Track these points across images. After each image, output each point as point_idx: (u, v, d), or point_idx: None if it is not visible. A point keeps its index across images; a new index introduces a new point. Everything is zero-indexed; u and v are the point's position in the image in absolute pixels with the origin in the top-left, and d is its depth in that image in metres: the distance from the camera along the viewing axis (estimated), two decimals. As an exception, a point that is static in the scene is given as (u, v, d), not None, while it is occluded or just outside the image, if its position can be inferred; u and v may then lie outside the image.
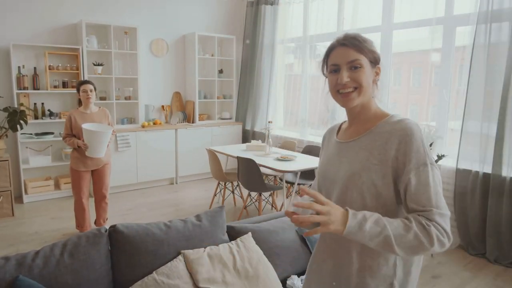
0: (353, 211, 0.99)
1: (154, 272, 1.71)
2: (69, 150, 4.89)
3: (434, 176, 1.03)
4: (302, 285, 1.95)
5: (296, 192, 4.26)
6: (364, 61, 1.10)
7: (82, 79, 4.76)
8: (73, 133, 3.48)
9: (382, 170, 1.06)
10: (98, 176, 3.65)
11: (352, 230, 0.96)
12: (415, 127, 1.07)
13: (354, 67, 1.10)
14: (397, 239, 0.96)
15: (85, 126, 3.35)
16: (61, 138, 4.78)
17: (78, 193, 3.57)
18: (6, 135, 4.25)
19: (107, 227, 1.79)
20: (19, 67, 4.57)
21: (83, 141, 3.38)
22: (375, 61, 1.13)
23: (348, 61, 1.10)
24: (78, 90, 3.50)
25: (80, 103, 3.59)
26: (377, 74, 1.14)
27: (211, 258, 1.81)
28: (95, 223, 3.84)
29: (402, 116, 1.12)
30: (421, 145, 1.05)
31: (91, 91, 3.48)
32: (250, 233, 2.02)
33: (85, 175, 3.56)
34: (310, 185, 4.39)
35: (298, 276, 2.06)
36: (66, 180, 4.88)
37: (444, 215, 0.99)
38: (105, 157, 3.59)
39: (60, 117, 4.82)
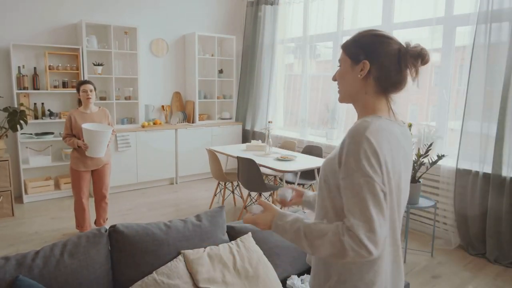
0: (279, 219, 1.11)
1: (154, 272, 1.71)
2: (69, 150, 4.89)
3: (363, 185, 1.00)
4: (302, 285, 1.95)
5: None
6: (345, 58, 1.16)
7: (82, 79, 4.76)
8: (73, 133, 3.48)
9: (333, 164, 1.11)
10: (98, 176, 3.65)
11: (275, 231, 1.12)
12: (361, 131, 1.04)
13: (339, 65, 1.20)
14: (312, 249, 1.04)
15: (85, 126, 3.35)
16: (61, 138, 4.79)
17: (78, 193, 3.56)
18: (6, 135, 4.25)
19: (107, 227, 1.79)
20: (19, 67, 4.57)
21: (83, 141, 3.38)
22: (357, 58, 1.13)
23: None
24: (78, 90, 3.50)
25: (79, 103, 3.59)
26: (362, 69, 1.12)
27: (211, 258, 1.81)
28: (95, 223, 3.84)
29: (371, 119, 1.10)
30: (359, 151, 1.02)
31: (91, 91, 3.48)
32: (250, 233, 2.02)
33: (85, 175, 3.56)
34: (310, 185, 4.39)
35: (298, 276, 2.06)
36: (66, 180, 4.88)
37: (362, 226, 0.98)
38: (105, 157, 3.58)
39: (60, 117, 4.82)
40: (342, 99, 1.20)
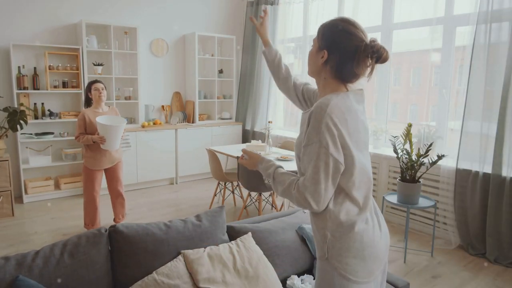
0: (260, 163, 1.43)
1: (154, 272, 1.71)
2: (69, 150, 4.89)
3: (320, 154, 1.21)
4: (302, 285, 1.95)
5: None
6: (315, 41, 1.34)
7: (82, 79, 4.78)
8: (87, 132, 3.51)
9: (301, 139, 1.30)
10: (112, 173, 3.70)
11: (260, 171, 1.43)
12: (322, 106, 1.22)
13: (312, 44, 1.38)
14: (276, 191, 1.35)
15: (99, 120, 3.39)
16: (61, 138, 4.80)
17: (91, 192, 3.61)
18: (6, 135, 4.25)
19: (107, 227, 1.79)
20: (19, 67, 4.57)
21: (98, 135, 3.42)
22: (321, 45, 1.31)
23: None
24: (89, 89, 3.55)
25: (87, 103, 3.63)
26: (322, 57, 1.30)
27: (211, 258, 1.81)
28: (114, 220, 3.89)
29: (331, 96, 1.26)
30: (318, 124, 1.21)
31: (102, 89, 3.55)
32: (250, 233, 2.02)
33: (98, 174, 3.62)
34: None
35: (298, 276, 2.06)
36: (66, 180, 4.88)
37: (309, 187, 1.22)
38: (118, 154, 3.65)
39: (60, 117, 4.82)
40: (309, 73, 1.40)
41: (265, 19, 1.86)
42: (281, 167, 1.38)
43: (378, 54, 1.23)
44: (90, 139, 3.43)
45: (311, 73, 1.38)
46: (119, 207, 3.82)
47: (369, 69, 1.27)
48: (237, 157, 3.92)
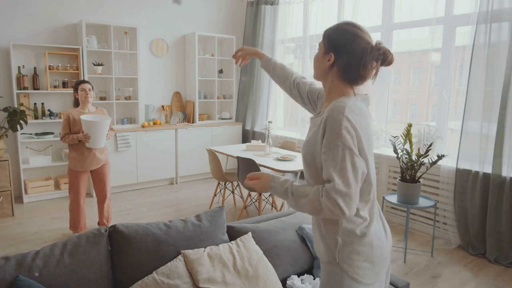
0: (272, 181, 1.31)
1: (154, 272, 1.71)
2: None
3: (345, 156, 1.17)
4: (302, 285, 1.95)
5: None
6: (321, 45, 1.35)
7: (82, 79, 4.77)
8: (71, 132, 3.47)
9: (317, 144, 1.26)
10: (98, 176, 3.65)
11: (271, 192, 1.33)
12: (338, 109, 1.21)
13: (318, 48, 1.39)
14: (297, 206, 1.25)
15: (83, 117, 3.36)
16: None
17: (76, 194, 3.55)
18: (6, 135, 4.25)
19: (108, 227, 1.79)
20: (19, 67, 4.57)
21: (82, 133, 3.38)
22: (327, 49, 1.31)
23: None
24: (76, 90, 3.50)
25: (75, 103, 3.59)
26: (329, 60, 1.30)
27: (211, 258, 1.81)
28: (98, 223, 3.83)
29: (344, 100, 1.25)
30: (337, 127, 1.18)
31: (89, 90, 3.49)
32: (250, 233, 2.02)
33: (83, 175, 3.55)
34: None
35: (298, 276, 2.06)
36: (66, 180, 4.87)
37: (340, 191, 1.16)
38: (104, 156, 3.59)
39: (60, 117, 4.82)
40: (315, 77, 1.41)
41: (240, 58, 1.80)
42: (294, 181, 1.33)
43: (384, 57, 1.25)
44: (75, 138, 3.39)
45: (318, 76, 1.38)
46: (104, 211, 3.75)
47: (374, 71, 1.29)
48: (237, 157, 3.92)
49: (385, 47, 1.25)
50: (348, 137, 1.18)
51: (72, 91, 3.61)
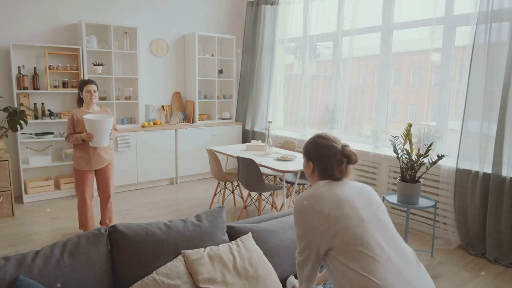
0: None
1: (154, 272, 1.71)
2: (69, 150, 4.89)
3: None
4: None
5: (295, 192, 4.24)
6: (304, 157, 1.65)
7: (83, 79, 4.76)
8: (75, 132, 3.48)
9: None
10: (102, 175, 3.66)
11: None
12: (298, 203, 1.51)
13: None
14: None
15: (86, 116, 3.36)
16: (61, 138, 4.79)
17: (82, 193, 3.57)
18: (6, 135, 4.25)
19: (108, 227, 1.79)
20: (19, 67, 4.57)
21: (85, 132, 3.38)
22: (306, 159, 1.63)
23: None
24: (81, 90, 3.49)
25: (79, 102, 3.59)
26: (311, 167, 1.61)
27: (211, 258, 1.81)
28: (100, 223, 3.84)
29: (308, 192, 1.53)
30: (295, 221, 1.54)
31: (94, 91, 3.49)
32: (250, 233, 2.02)
33: (88, 174, 3.56)
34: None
35: (298, 276, 2.05)
36: (66, 180, 4.88)
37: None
38: (108, 156, 3.60)
39: (60, 117, 4.82)
40: (308, 180, 1.72)
41: None
42: None
43: (348, 159, 1.54)
44: (79, 138, 3.39)
45: (308, 180, 1.68)
46: (106, 210, 3.76)
47: (343, 170, 1.54)
48: (237, 157, 3.92)
49: (349, 150, 1.53)
50: (302, 227, 1.53)
51: (74, 91, 3.62)
